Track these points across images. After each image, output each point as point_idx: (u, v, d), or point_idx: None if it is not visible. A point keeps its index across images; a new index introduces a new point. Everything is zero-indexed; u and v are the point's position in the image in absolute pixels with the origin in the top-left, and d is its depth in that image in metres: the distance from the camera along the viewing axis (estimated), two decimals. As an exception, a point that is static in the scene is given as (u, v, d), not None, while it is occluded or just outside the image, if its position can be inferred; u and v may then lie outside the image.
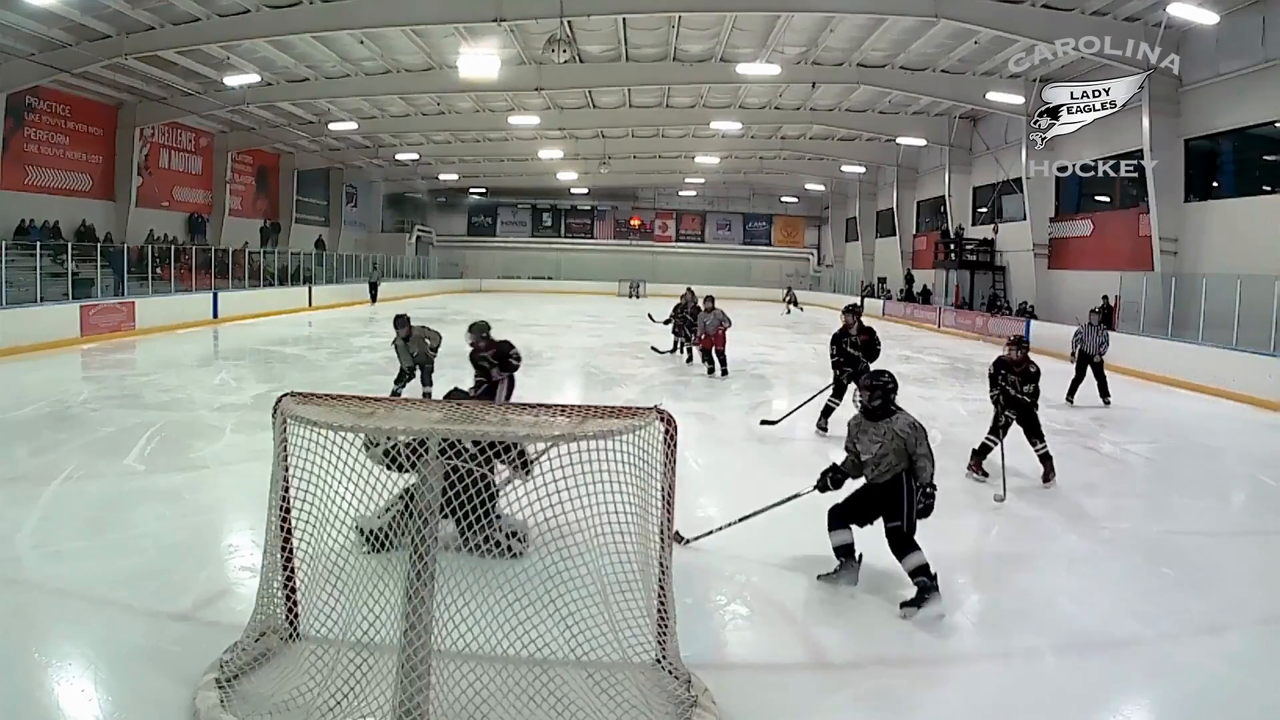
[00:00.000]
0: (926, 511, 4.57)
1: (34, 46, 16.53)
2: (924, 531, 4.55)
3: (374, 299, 29.77)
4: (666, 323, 15.59)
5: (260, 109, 23.78)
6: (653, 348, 15.76)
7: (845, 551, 4.72)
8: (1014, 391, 6.98)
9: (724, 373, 13.05)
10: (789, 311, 31.36)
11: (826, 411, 8.74)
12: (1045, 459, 7.07)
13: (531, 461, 3.30)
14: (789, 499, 5.09)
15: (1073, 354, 11.51)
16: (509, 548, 4.07)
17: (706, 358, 13.58)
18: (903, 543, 4.49)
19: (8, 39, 16.05)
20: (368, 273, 31.74)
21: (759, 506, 5.15)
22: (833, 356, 8.70)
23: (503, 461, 3.25)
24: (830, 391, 8.80)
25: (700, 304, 13.81)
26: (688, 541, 5.08)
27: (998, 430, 7.00)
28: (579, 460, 3.17)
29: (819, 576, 4.73)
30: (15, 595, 4.30)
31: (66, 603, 4.24)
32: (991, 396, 7.12)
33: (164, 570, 4.68)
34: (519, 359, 7.66)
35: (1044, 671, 3.89)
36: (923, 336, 23.35)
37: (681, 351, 15.04)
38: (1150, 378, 14.39)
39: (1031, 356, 7.23)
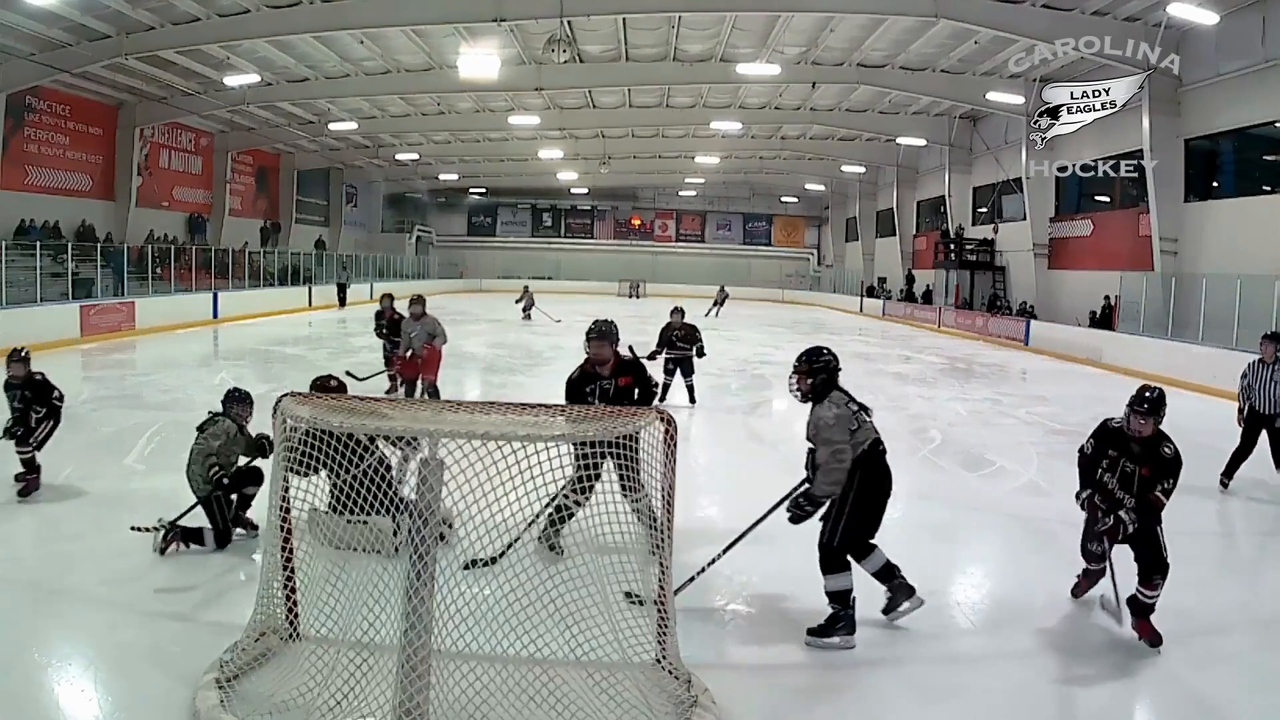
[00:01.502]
0: (793, 518, 4.04)
1: (34, 46, 16.53)
2: (926, 540, 4.14)
3: (343, 302, 27.49)
4: (652, 356, 9.62)
5: (260, 109, 23.77)
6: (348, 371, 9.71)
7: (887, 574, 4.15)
8: (1115, 487, 4.08)
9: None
10: (709, 314, 26.34)
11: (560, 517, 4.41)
12: (1139, 610, 4.09)
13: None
14: (762, 519, 4.32)
15: (1240, 411, 7.56)
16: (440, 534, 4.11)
17: (398, 385, 9.57)
18: (824, 558, 4.06)
19: (8, 39, 16.05)
20: (335, 274, 29.62)
21: (734, 536, 4.39)
22: None
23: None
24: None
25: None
26: (678, 590, 4.00)
27: (1093, 553, 4.42)
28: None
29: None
30: (15, 595, 4.30)
31: (66, 603, 4.24)
32: (1079, 497, 4.26)
33: (164, 570, 4.69)
34: (61, 399, 6.40)
35: (1045, 672, 3.89)
36: (923, 336, 23.36)
37: (691, 399, 10.29)
38: (1150, 378, 14.29)
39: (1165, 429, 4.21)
